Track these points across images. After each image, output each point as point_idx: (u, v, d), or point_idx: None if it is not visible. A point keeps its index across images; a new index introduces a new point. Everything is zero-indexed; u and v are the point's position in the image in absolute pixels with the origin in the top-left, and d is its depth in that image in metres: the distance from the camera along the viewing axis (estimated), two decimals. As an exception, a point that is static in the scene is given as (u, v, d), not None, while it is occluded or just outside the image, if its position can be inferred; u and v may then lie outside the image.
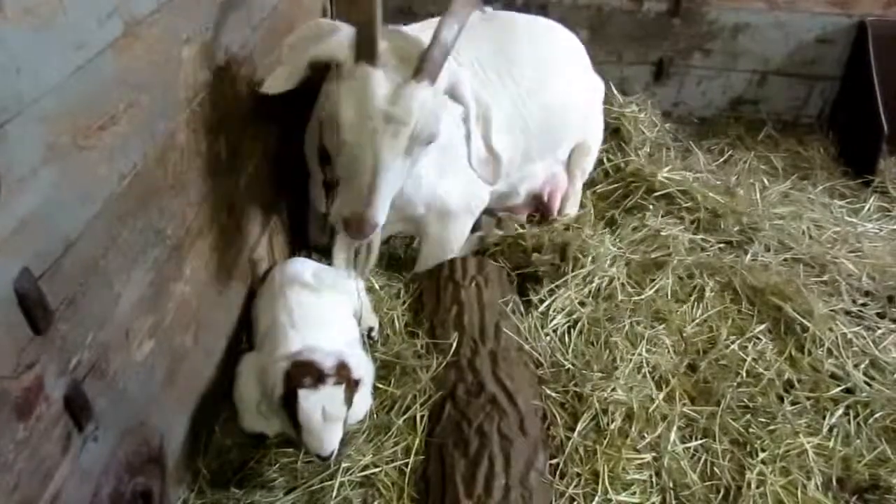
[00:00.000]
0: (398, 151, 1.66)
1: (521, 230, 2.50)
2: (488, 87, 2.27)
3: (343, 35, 1.73)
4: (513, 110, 2.35)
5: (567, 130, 2.59)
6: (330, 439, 1.59)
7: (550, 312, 2.19)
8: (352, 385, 1.65)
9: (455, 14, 1.67)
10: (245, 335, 2.04)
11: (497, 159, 2.02)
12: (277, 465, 1.77)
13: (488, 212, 2.57)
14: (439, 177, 2.17)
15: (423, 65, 1.63)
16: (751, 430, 1.87)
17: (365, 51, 1.63)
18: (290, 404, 1.59)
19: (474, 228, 2.49)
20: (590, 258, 2.34)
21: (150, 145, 1.39)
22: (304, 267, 2.07)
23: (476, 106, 1.89)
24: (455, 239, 2.38)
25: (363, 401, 1.79)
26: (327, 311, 1.95)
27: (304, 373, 1.60)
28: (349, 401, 1.64)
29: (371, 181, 1.64)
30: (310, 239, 2.45)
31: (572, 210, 2.68)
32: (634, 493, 1.73)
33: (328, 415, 1.57)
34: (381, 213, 1.67)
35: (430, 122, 1.68)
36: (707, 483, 1.76)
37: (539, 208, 2.70)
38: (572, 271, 2.29)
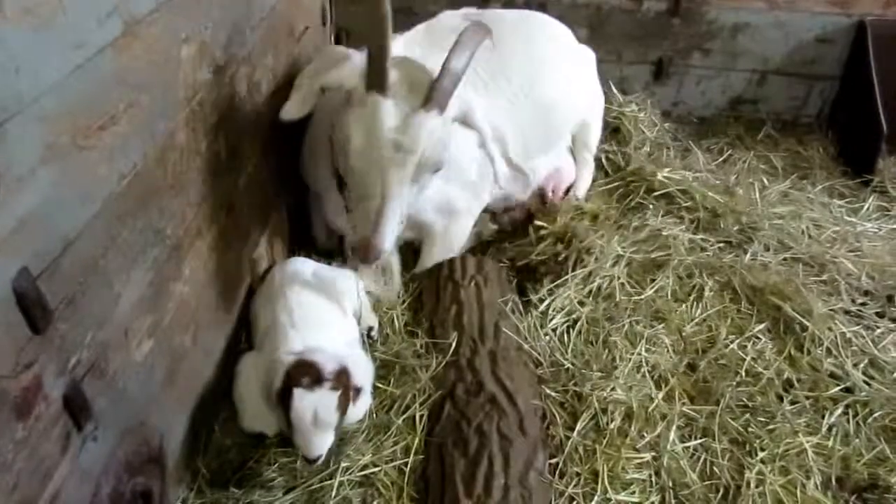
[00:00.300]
0: (405, 179, 1.69)
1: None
2: (480, 89, 2.28)
3: (355, 62, 1.76)
4: (508, 110, 2.35)
5: (565, 122, 2.60)
6: (318, 443, 1.59)
7: (550, 312, 2.19)
8: (349, 392, 1.66)
9: (464, 44, 1.70)
10: (244, 335, 2.04)
11: (523, 173, 2.09)
12: (277, 465, 1.77)
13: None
14: (445, 181, 2.18)
15: (432, 94, 1.66)
16: (750, 429, 1.88)
17: (376, 80, 1.66)
18: (285, 401, 1.59)
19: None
20: (594, 257, 2.34)
21: (149, 145, 1.39)
22: (304, 266, 2.07)
23: (490, 129, 1.92)
24: (458, 238, 2.39)
25: (363, 400, 1.80)
26: (327, 310, 1.95)
27: (304, 372, 1.60)
28: (344, 408, 1.64)
29: (378, 208, 1.67)
30: (316, 242, 2.44)
31: (582, 191, 2.69)
32: (634, 492, 1.73)
33: (319, 419, 1.57)
34: (388, 239, 1.69)
35: (438, 150, 1.72)
36: (706, 482, 1.77)
37: (544, 202, 2.69)
38: (573, 270, 2.29)
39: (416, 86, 1.70)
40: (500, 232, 2.58)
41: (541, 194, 2.66)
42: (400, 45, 1.87)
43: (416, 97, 1.68)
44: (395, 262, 1.95)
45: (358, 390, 1.70)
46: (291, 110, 1.82)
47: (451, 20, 2.45)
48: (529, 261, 2.36)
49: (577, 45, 2.79)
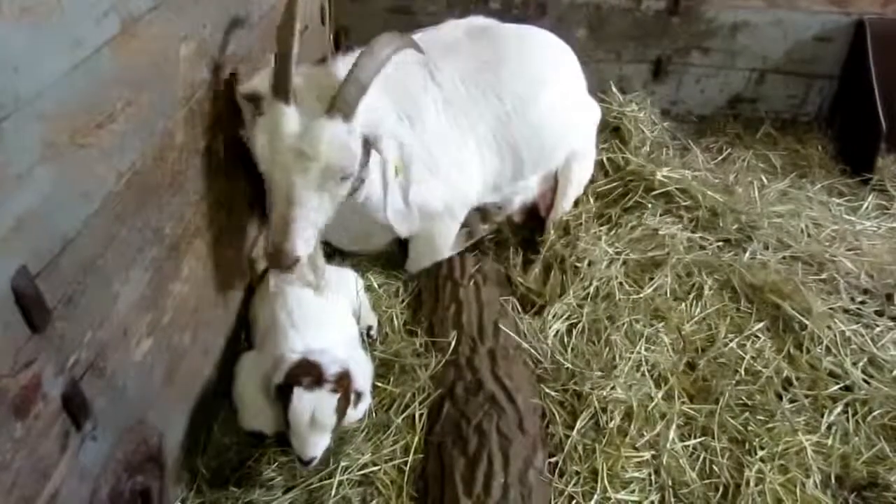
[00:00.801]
0: (311, 186, 1.67)
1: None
2: (469, 105, 2.28)
3: (268, 70, 1.75)
4: (498, 128, 2.34)
5: (559, 144, 2.55)
6: (313, 444, 1.59)
7: (550, 319, 2.19)
8: (349, 396, 1.66)
9: (372, 53, 1.69)
10: (244, 334, 2.04)
11: (411, 212, 2.08)
12: (276, 464, 1.77)
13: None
14: (419, 182, 2.17)
15: (335, 101, 1.65)
16: (749, 427, 1.88)
17: (280, 87, 1.65)
18: (284, 398, 1.59)
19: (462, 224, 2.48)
20: (586, 262, 2.34)
21: (148, 144, 1.39)
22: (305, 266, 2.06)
23: (398, 153, 1.89)
24: (441, 238, 2.37)
25: (362, 402, 1.79)
26: (327, 310, 1.95)
27: (306, 372, 1.61)
28: (342, 411, 1.64)
29: (286, 213, 1.66)
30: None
31: (555, 216, 2.62)
32: (633, 491, 1.73)
33: (316, 420, 1.57)
34: (299, 246, 1.67)
35: (343, 157, 1.70)
36: (706, 481, 1.77)
37: (538, 217, 2.69)
38: (571, 284, 2.29)
39: (323, 93, 1.69)
40: (495, 232, 2.58)
41: (533, 209, 2.65)
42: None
43: (321, 105, 1.67)
44: (318, 273, 1.93)
45: (359, 395, 1.70)
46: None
47: (452, 32, 2.45)
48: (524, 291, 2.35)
49: (577, 69, 2.71)
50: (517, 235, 2.62)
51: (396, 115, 2.10)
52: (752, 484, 1.74)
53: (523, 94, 2.37)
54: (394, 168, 1.88)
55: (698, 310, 2.24)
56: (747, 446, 1.84)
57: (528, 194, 2.61)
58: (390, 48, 1.73)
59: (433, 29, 2.47)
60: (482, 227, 2.55)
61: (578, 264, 2.36)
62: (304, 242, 1.69)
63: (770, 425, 1.88)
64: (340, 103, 1.65)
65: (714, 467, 1.80)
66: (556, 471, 1.77)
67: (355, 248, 2.40)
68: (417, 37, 2.32)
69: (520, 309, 2.26)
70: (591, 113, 2.76)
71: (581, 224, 2.56)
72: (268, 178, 1.73)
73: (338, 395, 1.60)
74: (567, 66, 2.63)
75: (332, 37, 3.02)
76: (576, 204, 2.69)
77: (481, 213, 2.55)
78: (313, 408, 1.57)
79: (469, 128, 2.29)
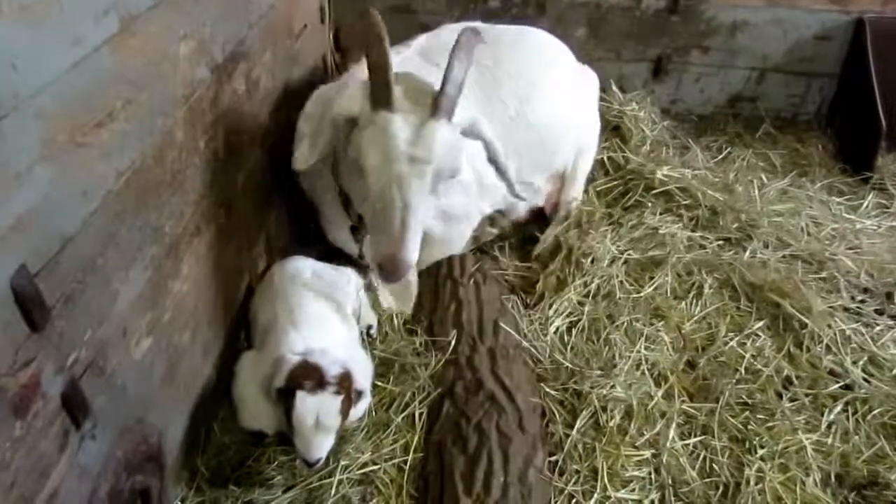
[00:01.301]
0: (425, 190, 1.68)
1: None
2: (477, 109, 2.26)
3: (353, 89, 1.76)
4: (504, 132, 2.33)
5: (562, 144, 2.56)
6: (318, 446, 1.59)
7: (550, 315, 2.19)
8: (351, 397, 1.66)
9: (463, 49, 1.71)
10: (244, 333, 2.04)
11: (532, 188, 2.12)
12: (276, 464, 1.76)
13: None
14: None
15: (439, 103, 1.67)
16: (749, 426, 1.88)
17: (381, 98, 1.66)
18: (287, 401, 1.59)
19: None
20: (590, 259, 2.34)
21: (147, 143, 1.38)
22: (304, 265, 2.06)
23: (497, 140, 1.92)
24: (456, 242, 2.38)
25: (363, 401, 1.79)
26: (327, 309, 1.94)
27: (308, 375, 1.60)
28: (346, 412, 1.64)
29: (402, 223, 1.65)
30: (331, 242, 2.42)
31: (566, 210, 2.63)
32: (633, 489, 1.73)
33: (321, 423, 1.57)
34: (413, 252, 1.68)
35: (452, 156, 1.72)
36: (706, 480, 1.77)
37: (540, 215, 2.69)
38: (573, 279, 2.29)
39: (420, 98, 1.71)
40: (500, 237, 2.57)
41: (540, 210, 2.66)
42: (397, 63, 1.86)
43: (422, 109, 1.68)
44: (412, 274, 1.94)
45: (359, 393, 1.70)
46: (304, 159, 1.84)
47: (450, 37, 2.43)
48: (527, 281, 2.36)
49: (577, 65, 2.75)
50: (518, 234, 2.62)
51: None
52: (752, 482, 1.74)
53: (526, 96, 2.37)
54: (502, 151, 1.91)
55: (698, 309, 2.24)
56: (747, 445, 1.84)
57: (536, 198, 2.61)
58: (473, 41, 1.75)
59: (433, 33, 2.47)
60: (489, 230, 2.54)
61: (583, 259, 2.35)
62: (416, 247, 1.69)
63: (770, 424, 1.88)
64: (443, 104, 1.67)
65: (714, 466, 1.80)
66: (556, 469, 1.76)
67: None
68: (420, 40, 2.33)
69: (519, 304, 2.25)
70: (592, 92, 2.77)
71: (593, 220, 2.56)
72: (372, 191, 1.70)
73: (341, 397, 1.60)
74: (563, 62, 2.64)
75: (331, 36, 3.02)
76: (587, 198, 2.68)
77: (490, 218, 2.56)
78: (317, 411, 1.57)
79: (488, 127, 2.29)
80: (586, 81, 2.80)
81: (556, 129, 2.50)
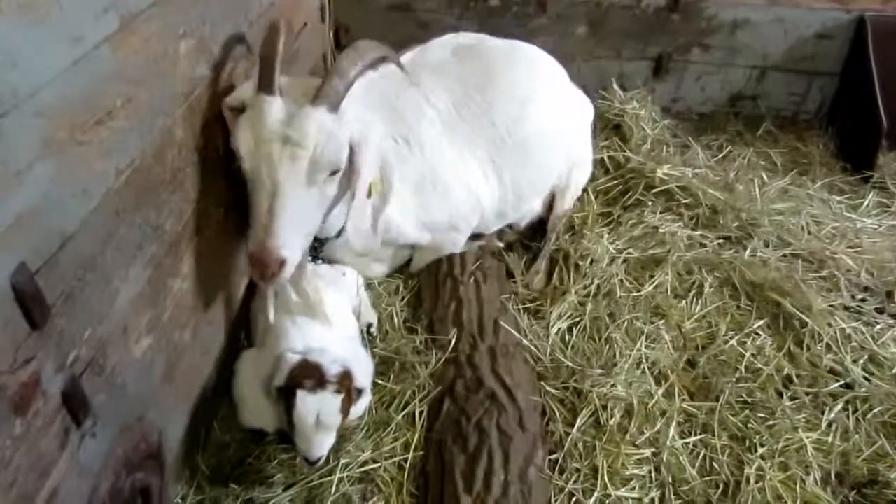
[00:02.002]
0: (298, 177, 1.60)
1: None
2: (465, 129, 2.28)
3: (249, 83, 1.74)
4: (495, 153, 2.33)
5: (555, 162, 2.54)
6: (319, 445, 1.59)
7: (552, 318, 2.19)
8: (352, 395, 1.66)
9: (356, 49, 1.69)
10: (244, 332, 2.04)
11: (375, 235, 1.97)
12: (276, 462, 1.77)
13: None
14: (418, 194, 2.20)
15: (321, 91, 1.63)
16: (750, 425, 1.88)
17: (264, 83, 1.64)
18: (287, 399, 1.59)
19: (476, 237, 2.48)
20: (589, 260, 2.34)
21: (147, 141, 1.38)
22: (304, 263, 2.06)
23: (378, 172, 1.85)
24: (447, 248, 2.37)
25: (363, 399, 1.79)
26: (327, 307, 1.94)
27: (308, 374, 1.60)
28: (346, 410, 1.64)
29: (270, 209, 1.57)
30: None
31: (555, 217, 2.60)
32: (634, 488, 1.73)
33: (322, 421, 1.57)
34: (285, 244, 1.57)
35: (332, 148, 1.63)
36: (706, 478, 1.77)
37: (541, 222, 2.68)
38: (573, 283, 2.29)
39: (307, 91, 1.67)
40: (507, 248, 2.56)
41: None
42: (375, 76, 1.84)
43: (304, 98, 1.65)
44: (303, 274, 1.80)
45: (360, 391, 1.70)
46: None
47: (439, 53, 2.42)
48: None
49: (572, 88, 2.71)
50: (519, 240, 2.62)
51: (391, 139, 2.08)
52: (752, 481, 1.74)
53: (515, 117, 2.35)
54: (368, 185, 1.81)
55: (699, 307, 2.24)
56: (747, 443, 1.84)
57: (535, 215, 2.61)
58: (373, 52, 1.72)
59: (419, 49, 2.45)
60: (496, 243, 2.52)
61: (581, 262, 2.36)
62: (290, 243, 1.59)
63: (770, 423, 1.88)
64: (324, 92, 1.63)
65: (714, 464, 1.80)
66: (557, 468, 1.77)
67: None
68: (406, 57, 2.32)
69: (520, 309, 2.26)
70: (585, 116, 2.75)
71: (587, 222, 2.55)
72: (252, 176, 1.65)
73: (341, 396, 1.60)
74: (555, 80, 2.60)
75: (331, 35, 3.02)
76: (581, 203, 2.68)
77: (500, 232, 2.56)
78: (318, 409, 1.57)
79: (469, 150, 2.29)
80: (581, 106, 2.75)
81: (547, 148, 2.47)
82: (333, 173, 1.68)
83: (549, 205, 2.64)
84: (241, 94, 1.73)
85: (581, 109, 2.74)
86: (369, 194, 1.84)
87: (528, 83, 2.45)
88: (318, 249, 2.08)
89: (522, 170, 2.39)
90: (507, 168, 2.36)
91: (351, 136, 1.71)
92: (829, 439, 1.85)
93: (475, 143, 2.30)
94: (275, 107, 1.62)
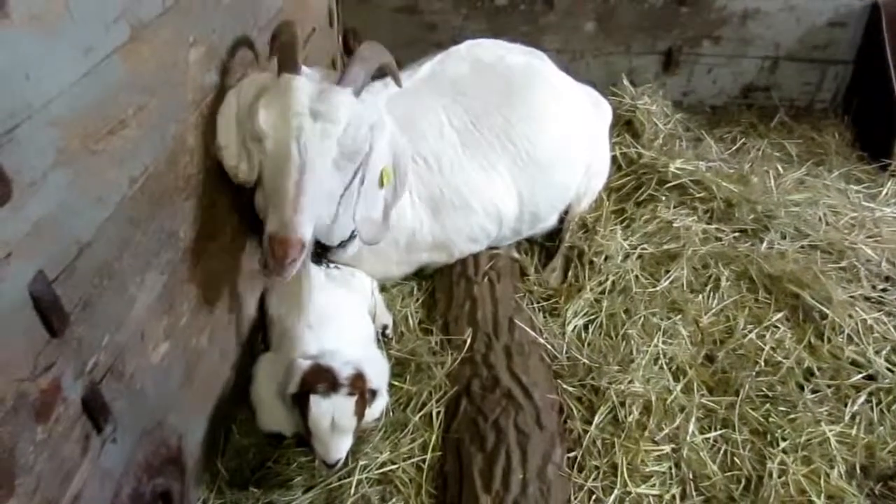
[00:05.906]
0: (327, 155, 1.56)
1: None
2: (486, 148, 2.27)
3: (267, 73, 1.76)
4: (515, 172, 2.32)
5: (573, 181, 2.52)
6: (336, 448, 1.60)
7: (568, 316, 2.18)
8: (365, 397, 1.66)
9: (373, 45, 1.72)
10: (261, 336, 2.05)
11: (384, 228, 1.91)
12: (295, 464, 1.78)
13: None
14: (436, 213, 2.21)
15: (346, 75, 1.64)
16: (771, 419, 1.85)
17: (287, 64, 1.64)
18: (301, 405, 1.59)
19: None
20: (603, 256, 2.33)
21: (160, 148, 1.40)
22: (318, 267, 2.07)
23: (391, 166, 1.84)
24: (460, 255, 2.37)
25: (379, 401, 1.80)
26: (342, 310, 1.95)
27: (320, 378, 1.60)
28: (361, 412, 1.64)
29: (298, 185, 1.49)
30: None
31: (571, 219, 2.58)
32: (654, 485, 1.72)
33: (337, 424, 1.57)
34: (306, 223, 1.49)
35: (359, 133, 1.61)
36: (727, 474, 1.75)
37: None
38: (588, 279, 2.28)
39: (329, 76, 1.70)
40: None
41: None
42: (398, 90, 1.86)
43: (328, 81, 1.66)
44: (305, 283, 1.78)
45: (374, 393, 1.70)
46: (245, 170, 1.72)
47: (457, 66, 2.40)
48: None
49: (590, 98, 2.69)
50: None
51: (412, 158, 2.07)
52: (774, 475, 1.72)
53: (533, 138, 2.34)
54: (380, 172, 1.80)
55: (716, 301, 2.22)
56: (769, 438, 1.82)
57: (551, 226, 2.59)
58: (387, 54, 1.75)
59: (438, 59, 2.41)
60: (514, 255, 2.51)
61: (595, 259, 2.34)
62: (310, 225, 1.51)
63: (792, 416, 1.86)
64: (350, 75, 1.64)
65: (735, 459, 1.78)
66: (575, 466, 1.76)
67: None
68: (426, 67, 2.31)
69: (535, 307, 2.25)
70: (603, 123, 2.73)
71: (600, 220, 2.54)
72: (269, 155, 1.58)
73: (355, 398, 1.61)
74: (573, 98, 2.57)
75: (340, 38, 3.03)
76: (594, 201, 2.66)
77: (517, 243, 2.55)
78: (332, 413, 1.57)
79: (491, 168, 2.29)
80: (599, 112, 2.73)
81: (566, 168, 2.46)
82: (354, 159, 1.65)
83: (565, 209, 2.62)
84: (258, 79, 1.71)
85: (599, 116, 2.72)
86: (381, 184, 1.83)
87: (546, 104, 2.44)
88: (324, 256, 2.09)
89: (541, 189, 2.38)
90: (526, 187, 2.35)
91: (371, 115, 1.71)
92: (853, 432, 1.82)
93: (497, 161, 2.30)
94: (303, 83, 1.61)
